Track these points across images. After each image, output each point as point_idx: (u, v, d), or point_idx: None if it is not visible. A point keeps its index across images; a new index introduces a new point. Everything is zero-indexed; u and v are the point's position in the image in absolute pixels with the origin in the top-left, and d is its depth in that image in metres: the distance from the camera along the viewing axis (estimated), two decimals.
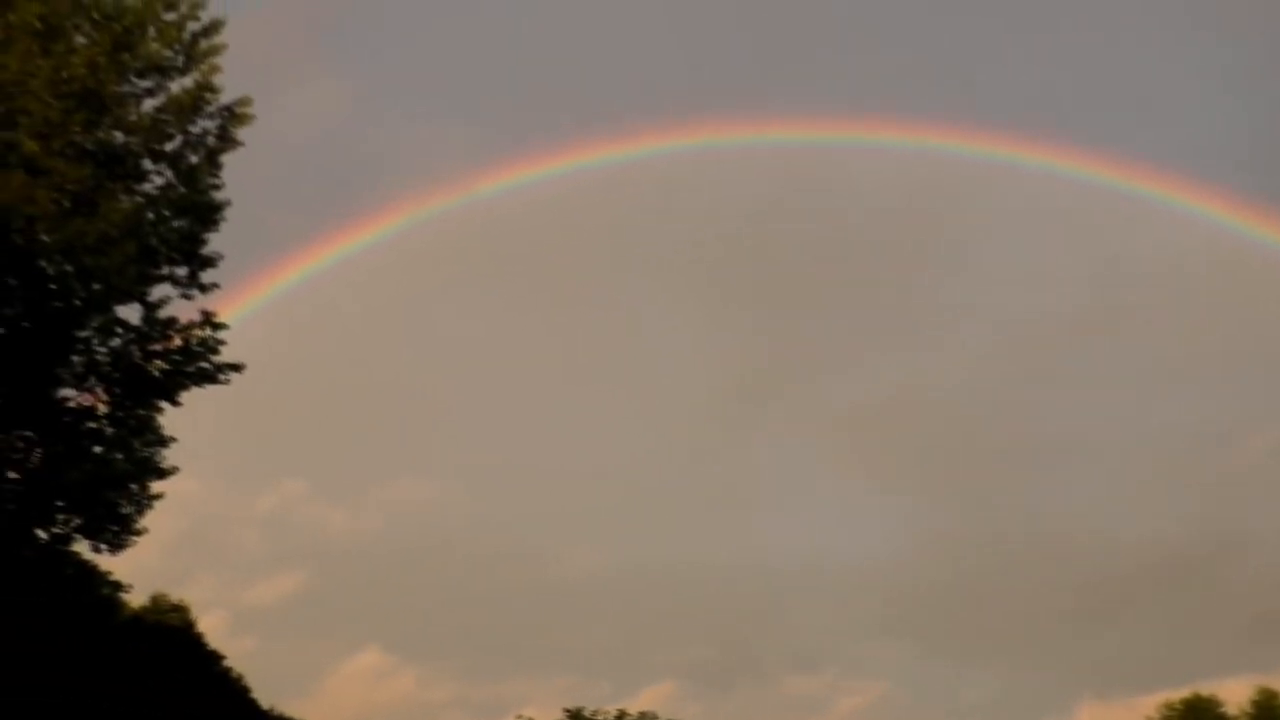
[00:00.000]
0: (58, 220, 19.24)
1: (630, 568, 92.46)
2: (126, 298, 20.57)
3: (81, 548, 20.84)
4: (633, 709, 65.48)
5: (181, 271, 21.31)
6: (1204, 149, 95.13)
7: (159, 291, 21.01)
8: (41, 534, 20.05)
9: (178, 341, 21.32)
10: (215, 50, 21.27)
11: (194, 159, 21.30)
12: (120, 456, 20.89)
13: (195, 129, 21.24)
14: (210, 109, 21.28)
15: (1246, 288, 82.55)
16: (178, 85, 21.05)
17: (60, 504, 20.33)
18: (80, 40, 19.85)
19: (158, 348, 21.20)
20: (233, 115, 21.49)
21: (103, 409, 20.78)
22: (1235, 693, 54.93)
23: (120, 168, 20.48)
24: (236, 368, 21.83)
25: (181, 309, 21.23)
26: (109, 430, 20.87)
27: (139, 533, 21.00)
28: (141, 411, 21.25)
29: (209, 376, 21.61)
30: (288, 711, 32.36)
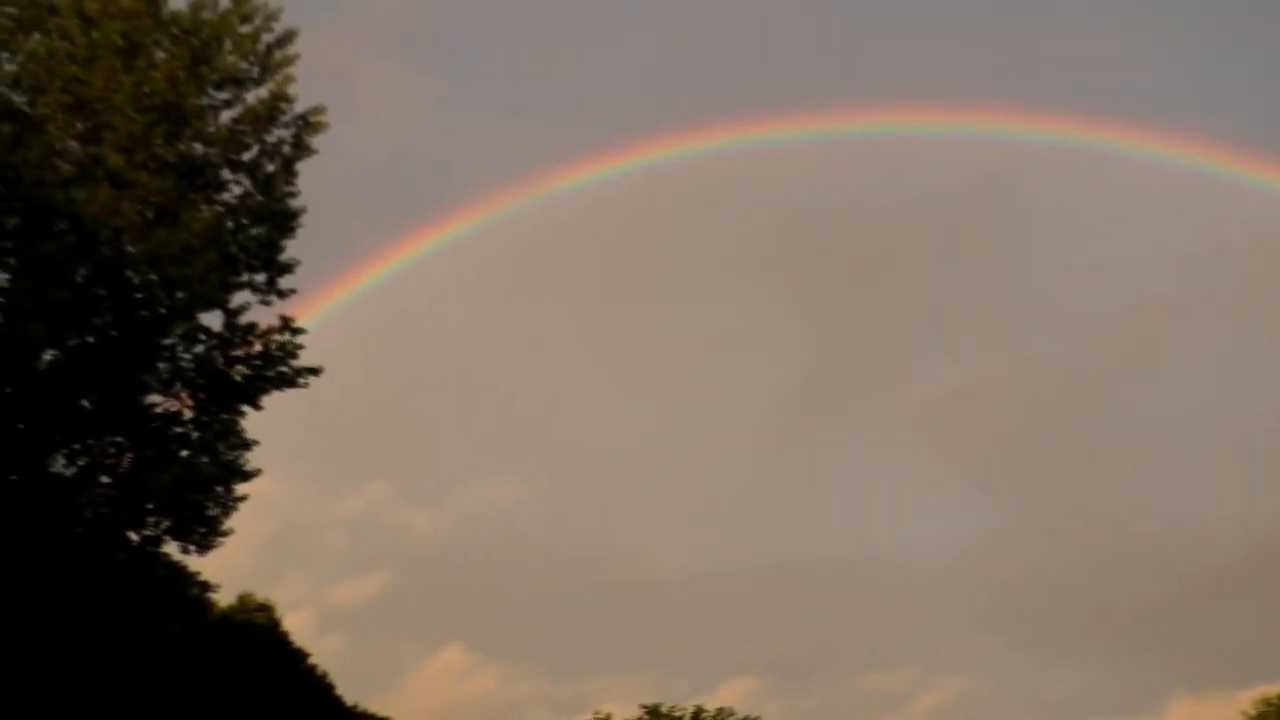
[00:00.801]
0: (142, 231, 19.77)
1: (709, 564, 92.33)
2: (209, 305, 21.00)
3: (171, 549, 21.35)
4: (711, 705, 65.63)
5: (260, 278, 21.73)
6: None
7: (239, 298, 21.44)
8: (133, 536, 20.56)
9: (258, 347, 21.72)
10: (289, 60, 21.70)
11: (270, 168, 21.74)
12: (206, 460, 21.34)
13: (271, 138, 21.69)
14: (285, 118, 21.70)
15: None
16: (254, 96, 21.52)
17: (150, 507, 20.80)
18: (160, 55, 20.37)
19: (239, 353, 21.61)
20: (307, 124, 21.90)
21: (188, 414, 21.24)
22: None
23: (200, 178, 20.97)
24: (315, 371, 22.21)
25: (261, 315, 21.70)
26: (194, 435, 21.33)
27: (225, 534, 21.44)
28: (225, 416, 21.68)
29: (288, 380, 22.00)
30: (372, 709, 32.89)
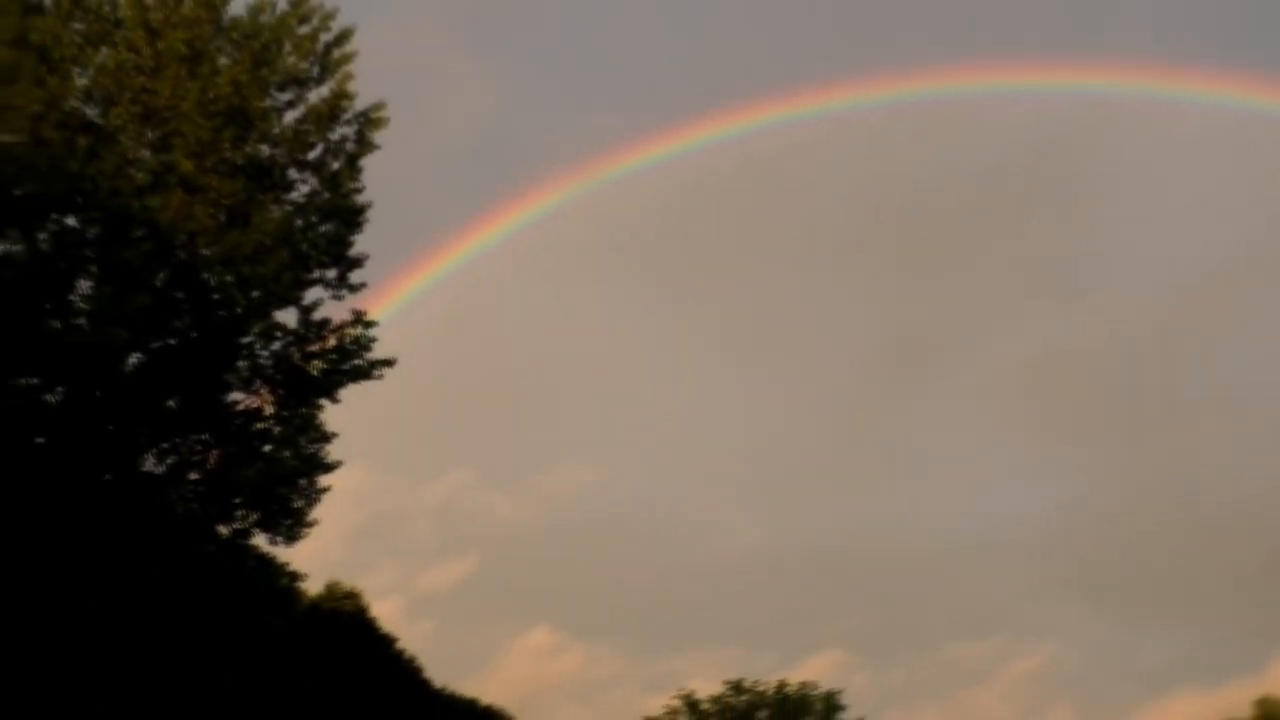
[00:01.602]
0: (216, 234, 20.27)
1: (793, 539, 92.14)
2: (283, 303, 21.48)
3: (259, 541, 21.95)
4: (796, 680, 65.60)
5: (331, 274, 22.17)
6: None
7: (312, 295, 21.91)
8: (223, 530, 21.18)
9: (332, 341, 22.17)
10: (347, 58, 22.06)
11: (335, 165, 22.14)
12: (288, 454, 21.88)
13: (335, 136, 22.09)
14: (347, 115, 22.08)
15: None
16: (315, 95, 21.93)
17: (237, 501, 21.40)
18: (223, 61, 20.83)
19: (315, 349, 22.08)
20: (368, 120, 22.26)
21: (269, 410, 21.78)
22: None
23: (269, 179, 21.43)
24: (388, 363, 22.62)
25: (334, 310, 22.14)
26: (276, 429, 21.88)
27: (310, 525, 22.00)
28: (304, 410, 22.20)
29: (364, 373, 22.45)
30: (461, 690, 33.50)
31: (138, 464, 19.58)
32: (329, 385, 22.22)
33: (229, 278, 20.38)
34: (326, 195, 22.06)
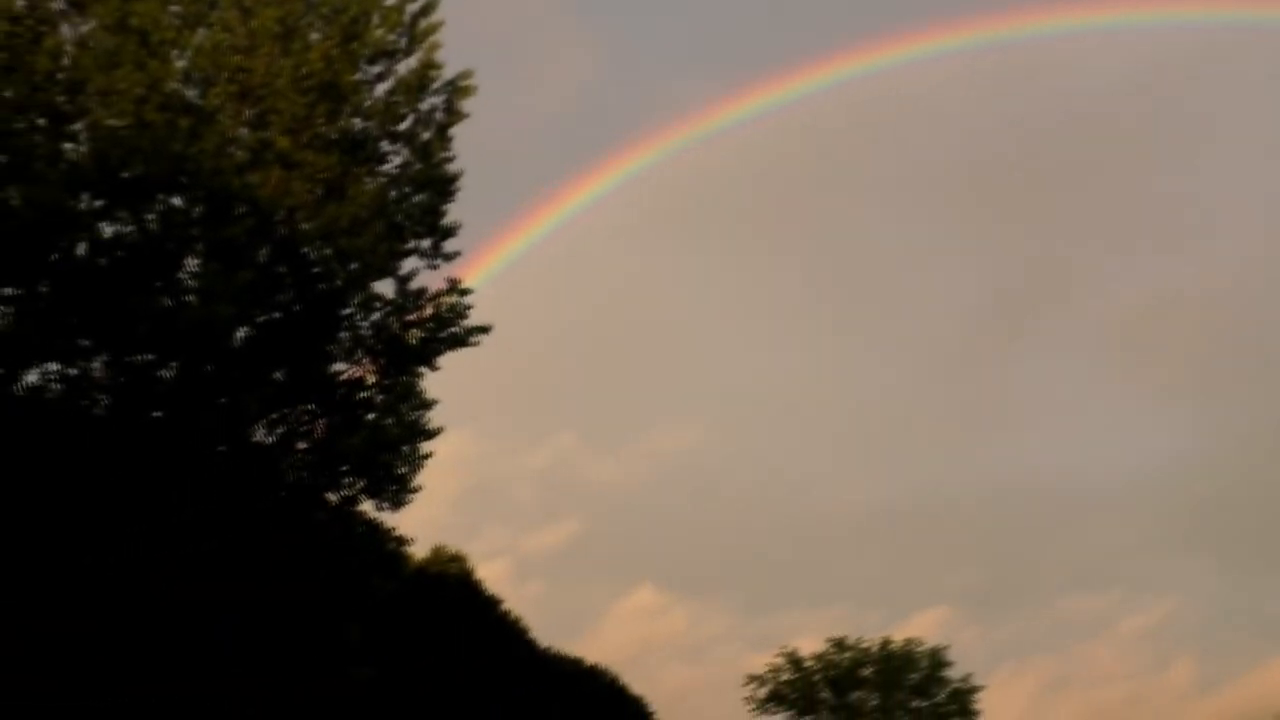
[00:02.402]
0: (313, 208, 20.62)
1: (899, 494, 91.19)
2: (380, 274, 21.74)
3: (366, 508, 22.45)
4: (903, 636, 65.20)
5: (426, 244, 22.40)
6: None
7: (408, 265, 22.18)
8: (331, 497, 21.71)
9: (429, 310, 22.44)
10: (433, 28, 22.18)
11: (426, 135, 22.31)
12: (391, 421, 22.26)
13: (424, 106, 22.25)
14: (436, 85, 22.23)
15: None
16: (404, 66, 22.13)
17: (344, 469, 21.87)
18: (314, 37, 21.08)
19: (412, 318, 22.36)
20: (457, 89, 22.39)
21: (371, 379, 22.17)
22: None
23: (362, 152, 21.69)
24: (484, 330, 22.81)
25: (429, 279, 22.41)
26: (379, 398, 22.25)
27: (415, 491, 22.38)
28: (404, 378, 22.54)
29: (460, 340, 22.69)
30: (568, 650, 34.05)
31: (248, 435, 20.12)
32: (427, 353, 22.50)
33: (328, 251, 20.70)
34: (418, 166, 22.27)
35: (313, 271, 20.50)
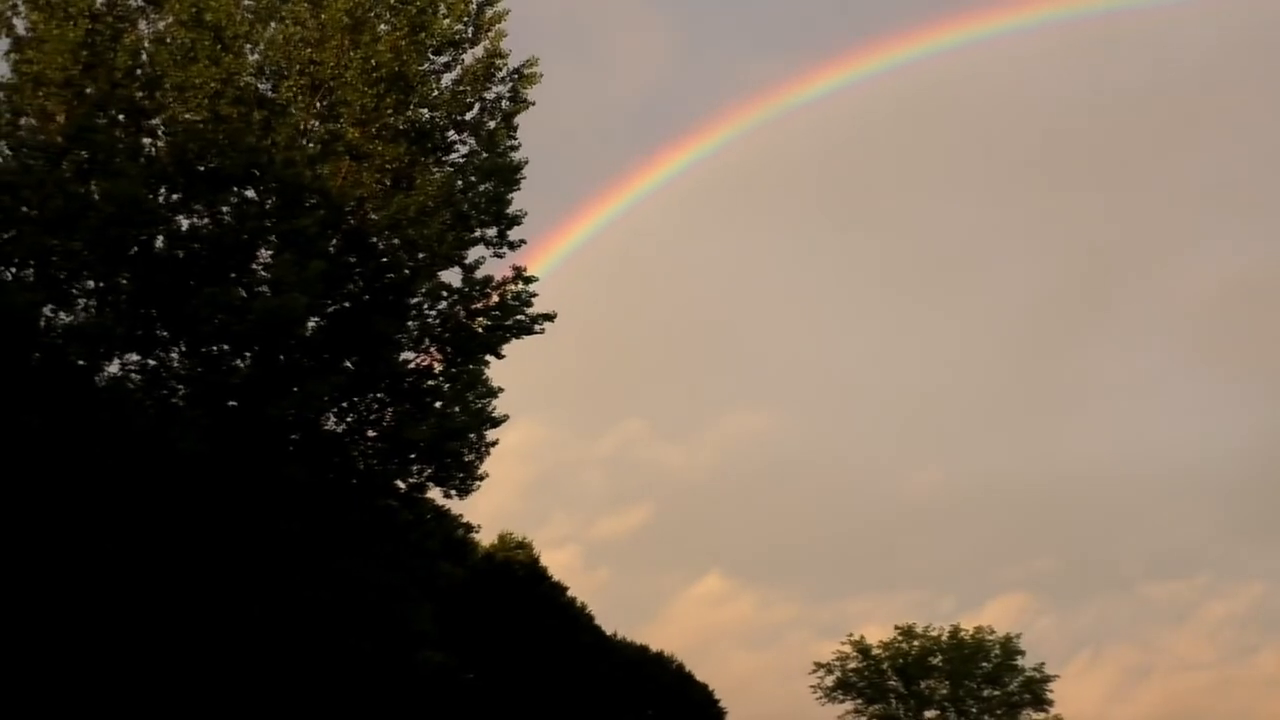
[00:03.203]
0: (382, 198, 20.83)
1: (973, 482, 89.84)
2: (447, 263, 21.84)
3: (435, 495, 22.65)
4: (976, 624, 64.35)
5: (491, 232, 22.49)
6: None
7: (474, 254, 22.26)
8: (400, 484, 21.94)
9: (495, 299, 22.51)
10: (499, 17, 22.28)
11: (492, 124, 22.44)
12: (458, 409, 22.39)
13: (490, 95, 22.38)
14: (501, 74, 22.34)
15: None
16: (470, 56, 22.27)
17: (412, 456, 22.06)
18: (382, 28, 21.28)
19: (479, 306, 22.42)
20: (522, 77, 22.47)
21: (438, 368, 22.32)
22: None
23: (429, 142, 21.87)
24: (550, 317, 22.84)
25: (495, 268, 22.50)
26: (446, 387, 22.38)
27: (482, 478, 22.53)
28: (471, 367, 22.65)
29: (525, 329, 22.74)
30: (637, 636, 34.20)
31: (320, 423, 20.40)
32: (493, 342, 22.57)
33: (396, 241, 20.88)
34: (484, 155, 22.38)
35: (381, 261, 20.69)
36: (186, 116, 19.22)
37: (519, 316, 22.69)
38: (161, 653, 16.80)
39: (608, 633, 33.47)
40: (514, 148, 22.68)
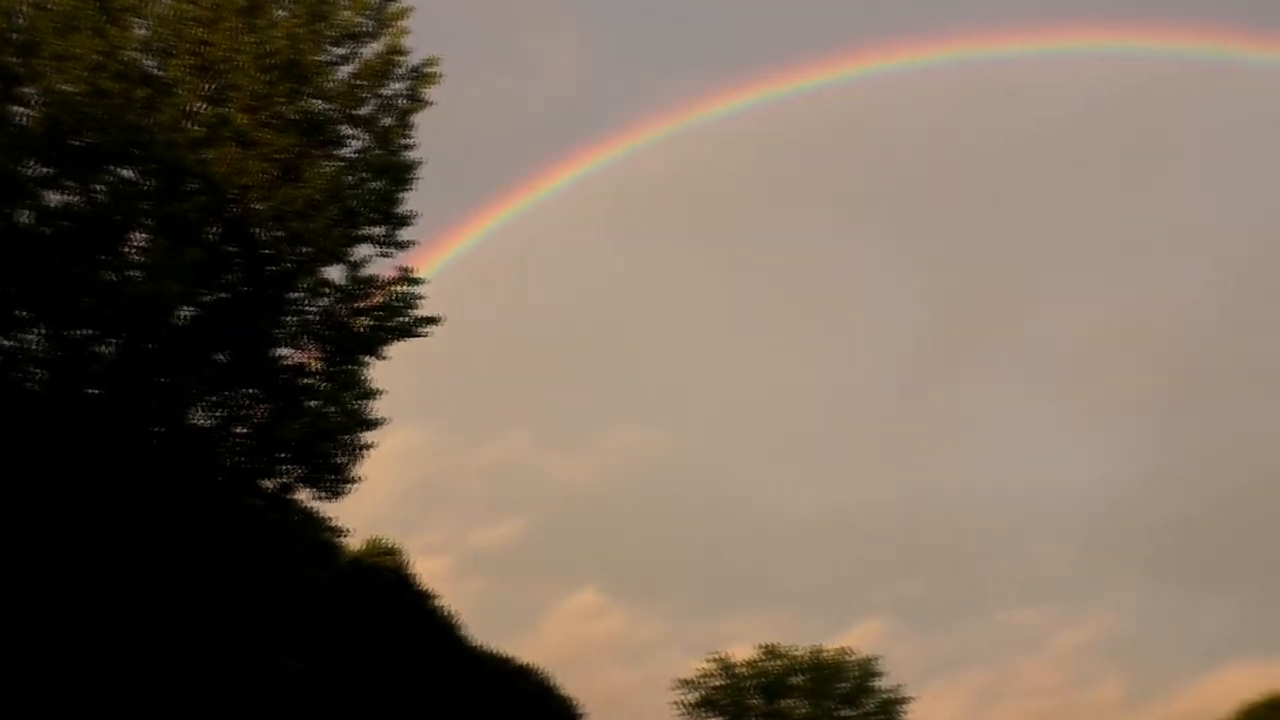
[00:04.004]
0: (268, 188, 20.25)
1: (846, 505, 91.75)
2: (332, 259, 21.40)
3: (304, 496, 22.04)
4: (842, 646, 65.56)
5: (379, 231, 22.08)
6: None
7: (360, 252, 21.82)
8: (267, 484, 21.32)
9: (379, 299, 22.13)
10: (402, 13, 21.90)
11: (387, 121, 22.03)
12: (333, 410, 21.90)
13: (387, 91, 21.95)
14: (400, 71, 21.95)
15: None
16: (369, 50, 21.82)
17: (282, 456, 21.48)
18: (280, 14, 20.70)
19: (361, 305, 22.04)
20: (421, 76, 22.12)
21: (315, 365, 21.81)
22: None
23: (321, 134, 21.33)
24: (435, 320, 22.54)
25: (382, 267, 22.09)
26: (322, 385, 21.89)
27: (354, 481, 22.03)
28: (350, 367, 22.20)
29: (409, 331, 22.41)
30: (508, 649, 33.81)
31: (187, 417, 19.70)
32: (374, 342, 22.19)
33: (279, 233, 20.37)
34: (377, 151, 21.96)
35: (263, 253, 20.15)
36: (64, 88, 18.34)
37: (403, 318, 22.34)
38: None
39: (476, 643, 33.06)
40: (409, 146, 22.33)
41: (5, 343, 18.07)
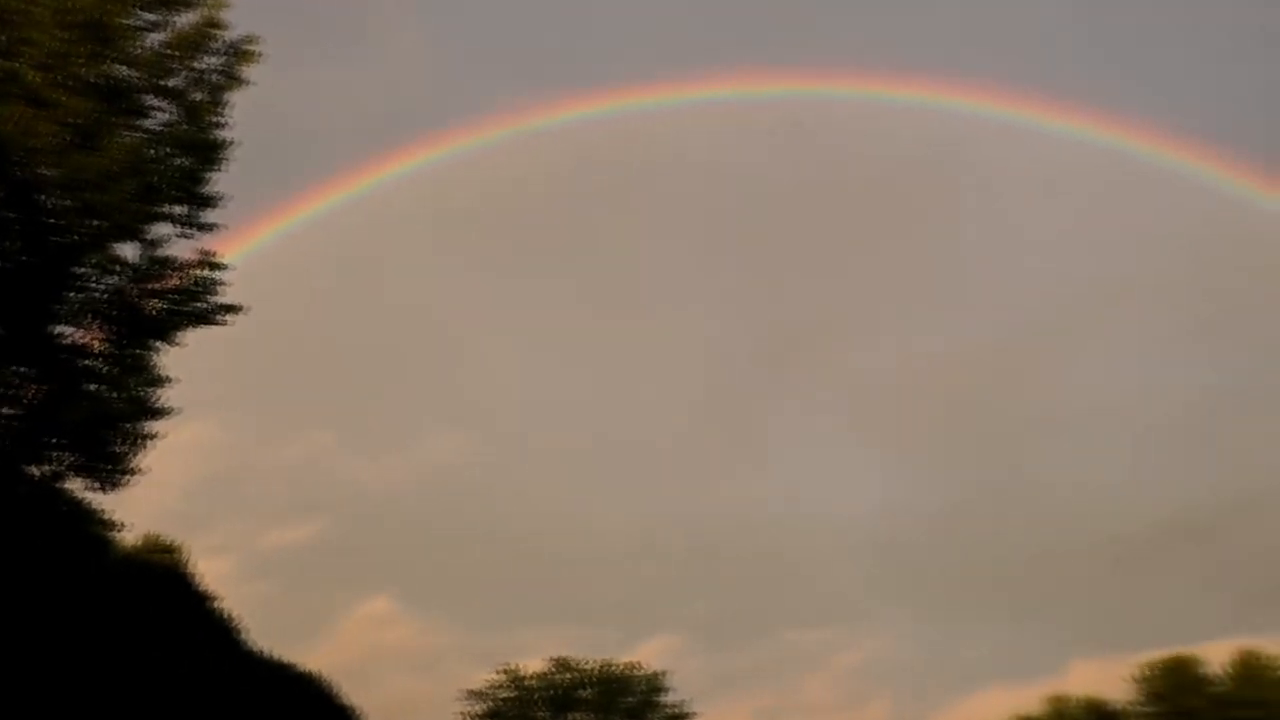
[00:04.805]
0: (59, 154, 18.96)
1: (651, 523, 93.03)
2: (126, 235, 20.30)
3: (76, 486, 20.67)
4: (632, 660, 66.20)
5: (181, 210, 21.00)
6: (1221, 116, 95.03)
7: (158, 230, 20.72)
8: (35, 471, 19.89)
9: (176, 281, 21.04)
10: None
11: (198, 96, 20.97)
12: (116, 395, 20.71)
13: (200, 65, 20.91)
14: (216, 45, 20.95)
15: (1268, 254, 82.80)
16: (183, 20, 20.75)
17: (54, 441, 20.14)
18: None
19: (155, 287, 20.91)
20: (239, 53, 21.16)
21: (99, 347, 20.54)
22: (1224, 654, 55.33)
23: (123, 102, 20.13)
24: (235, 309, 21.59)
25: (182, 248, 21.00)
26: (105, 368, 20.66)
27: (133, 472, 20.84)
28: (138, 351, 21.02)
29: (207, 318, 21.39)
30: (293, 655, 32.44)
31: None
32: (167, 326, 21.09)
33: (69, 202, 19.15)
34: (185, 127, 20.88)
35: (48, 222, 18.83)
36: None
37: (201, 304, 21.28)
38: None
39: (255, 648, 31.61)
40: (220, 125, 21.29)
41: None
